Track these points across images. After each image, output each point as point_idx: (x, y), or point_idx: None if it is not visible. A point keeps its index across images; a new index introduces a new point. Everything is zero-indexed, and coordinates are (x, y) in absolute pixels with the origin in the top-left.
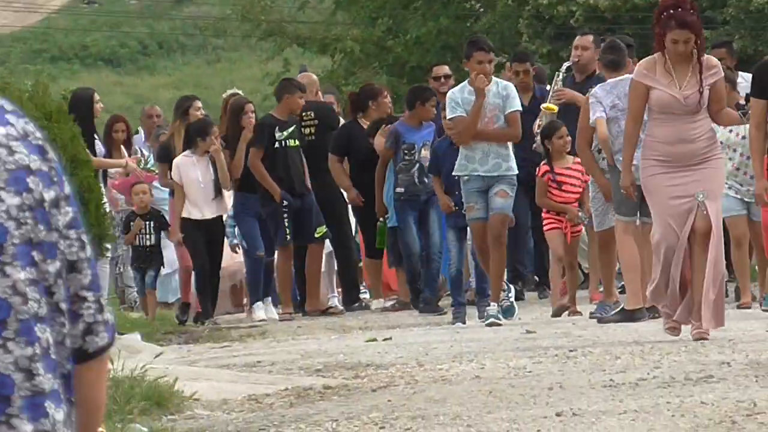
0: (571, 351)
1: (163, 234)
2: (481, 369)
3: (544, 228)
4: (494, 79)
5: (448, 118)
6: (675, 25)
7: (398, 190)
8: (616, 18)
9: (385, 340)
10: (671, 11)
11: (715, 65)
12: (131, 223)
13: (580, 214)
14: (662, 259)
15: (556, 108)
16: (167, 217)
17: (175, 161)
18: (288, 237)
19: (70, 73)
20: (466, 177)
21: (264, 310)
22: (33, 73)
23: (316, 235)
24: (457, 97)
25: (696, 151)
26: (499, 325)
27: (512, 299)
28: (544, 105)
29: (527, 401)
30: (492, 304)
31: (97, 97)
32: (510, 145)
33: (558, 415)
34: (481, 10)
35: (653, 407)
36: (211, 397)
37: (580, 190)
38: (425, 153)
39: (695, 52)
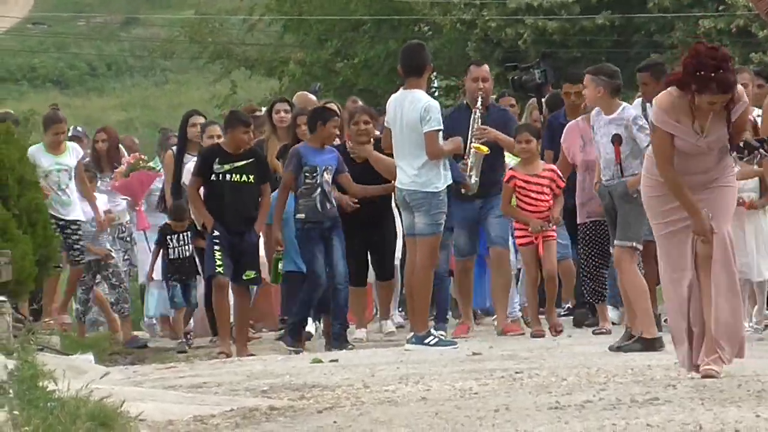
0: (517, 373)
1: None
2: (427, 391)
3: (517, 242)
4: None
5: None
6: (716, 89)
7: (298, 216)
8: (564, 41)
9: (331, 361)
10: (712, 74)
11: (740, 98)
12: (167, 237)
13: (542, 223)
14: (671, 294)
15: (486, 149)
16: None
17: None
18: (218, 269)
19: (18, 95)
20: None
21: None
22: None
23: (244, 277)
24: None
25: (706, 181)
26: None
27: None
28: (474, 145)
29: (473, 423)
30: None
31: (196, 120)
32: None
33: None
34: (430, 33)
35: (599, 429)
36: (157, 417)
37: (549, 198)
38: (327, 177)
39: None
